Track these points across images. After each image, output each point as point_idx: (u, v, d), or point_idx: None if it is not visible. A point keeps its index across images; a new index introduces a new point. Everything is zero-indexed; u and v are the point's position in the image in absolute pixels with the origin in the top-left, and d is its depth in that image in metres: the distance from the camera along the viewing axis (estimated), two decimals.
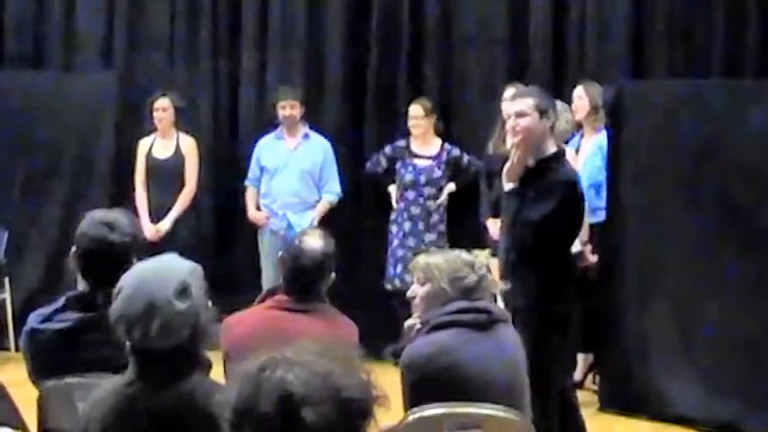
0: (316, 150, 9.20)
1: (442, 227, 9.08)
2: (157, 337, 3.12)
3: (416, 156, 9.14)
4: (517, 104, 5.88)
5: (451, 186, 9.09)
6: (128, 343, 3.18)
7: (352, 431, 2.22)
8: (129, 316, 3.14)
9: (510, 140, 5.92)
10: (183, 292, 3.15)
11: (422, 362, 4.35)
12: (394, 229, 9.13)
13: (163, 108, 9.13)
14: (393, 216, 9.15)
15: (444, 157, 9.10)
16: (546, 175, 5.79)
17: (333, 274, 4.77)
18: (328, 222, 8.69)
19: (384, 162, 9.25)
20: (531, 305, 5.51)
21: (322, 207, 9.16)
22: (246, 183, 9.36)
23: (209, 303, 3.27)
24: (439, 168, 9.06)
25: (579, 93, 8.34)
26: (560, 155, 5.96)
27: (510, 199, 5.85)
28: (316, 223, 8.90)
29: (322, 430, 2.18)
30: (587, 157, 8.26)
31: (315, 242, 4.72)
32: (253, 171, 9.34)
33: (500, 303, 5.57)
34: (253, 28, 9.86)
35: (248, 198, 9.35)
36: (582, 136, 8.43)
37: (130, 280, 3.21)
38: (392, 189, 9.21)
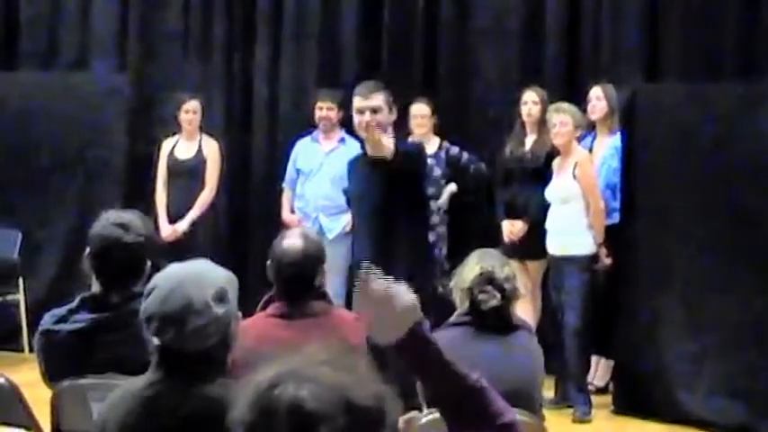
0: (350, 155, 9.15)
1: (442, 229, 8.95)
2: (191, 339, 3.12)
3: None
4: (373, 100, 6.12)
5: (452, 187, 9.01)
6: (155, 342, 3.17)
7: None
8: (163, 314, 3.13)
9: (365, 136, 6.14)
10: (222, 297, 3.16)
11: None
12: None
13: (193, 110, 9.15)
14: None
15: (443, 155, 9.04)
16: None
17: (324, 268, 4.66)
18: None
19: None
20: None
21: None
22: (283, 185, 9.33)
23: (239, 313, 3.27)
24: (438, 167, 8.99)
25: (597, 93, 8.31)
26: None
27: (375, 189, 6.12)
28: (348, 228, 8.91)
29: None
30: (603, 159, 8.24)
31: (294, 242, 4.60)
32: (289, 173, 9.30)
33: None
34: (266, 23, 9.86)
35: (284, 200, 9.31)
36: (594, 137, 8.41)
37: (166, 279, 3.20)
38: None
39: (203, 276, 3.21)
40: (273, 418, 2.12)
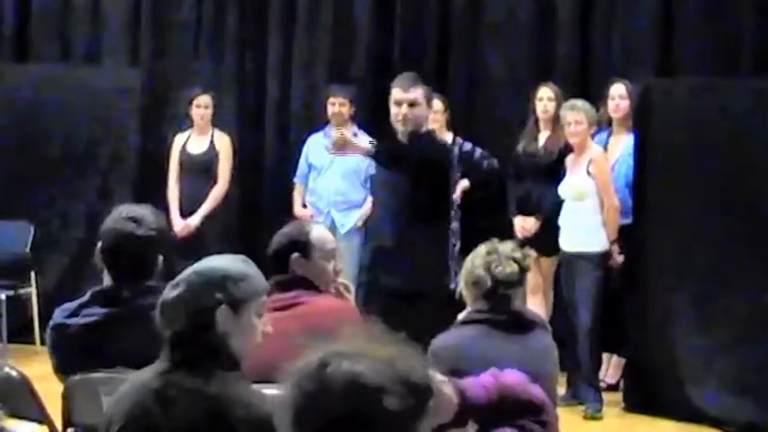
0: None
1: (455, 224, 8.91)
2: (158, 322, 3.22)
3: None
4: (411, 94, 6.13)
5: (465, 183, 8.98)
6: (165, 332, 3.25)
7: (423, 414, 2.20)
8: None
9: (399, 128, 6.15)
10: (174, 285, 3.22)
11: (434, 352, 4.37)
12: None
13: (205, 105, 9.16)
14: None
15: (456, 150, 8.99)
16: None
17: (313, 254, 4.62)
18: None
19: None
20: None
21: (367, 208, 9.00)
22: (295, 180, 9.33)
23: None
24: None
25: (621, 92, 8.25)
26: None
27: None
28: (360, 224, 8.91)
29: (401, 418, 2.15)
30: (622, 157, 8.20)
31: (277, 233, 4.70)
32: (301, 168, 9.29)
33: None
34: (278, 20, 9.84)
35: (295, 195, 9.31)
36: (609, 134, 8.38)
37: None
38: None
39: (208, 265, 3.30)
40: (328, 396, 2.12)
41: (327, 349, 2.19)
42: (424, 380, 2.22)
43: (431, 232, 6.14)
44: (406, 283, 6.01)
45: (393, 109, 6.16)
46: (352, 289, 4.89)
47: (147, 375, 3.21)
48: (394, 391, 2.13)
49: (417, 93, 6.12)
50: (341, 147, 6.19)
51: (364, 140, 6.18)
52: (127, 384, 3.26)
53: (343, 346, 2.21)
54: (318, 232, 4.77)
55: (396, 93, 6.17)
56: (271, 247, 4.70)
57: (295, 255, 4.63)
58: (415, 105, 6.07)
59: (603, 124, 8.35)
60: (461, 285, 4.56)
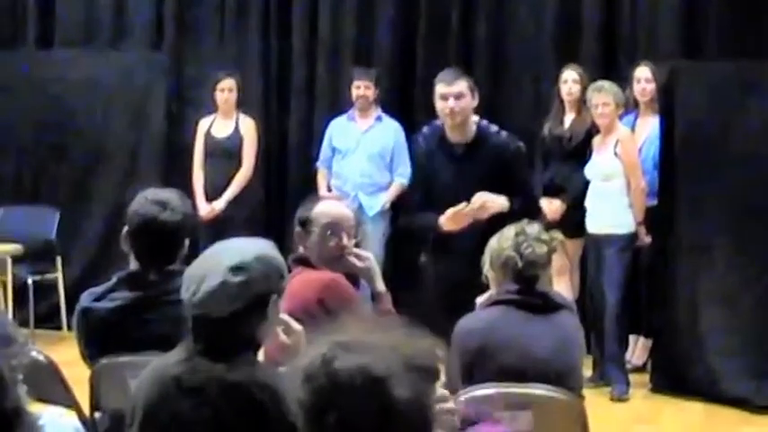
0: (387, 133, 9.13)
1: None
2: (201, 302, 3.14)
3: None
4: (456, 86, 6.11)
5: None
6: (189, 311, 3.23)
7: (431, 396, 2.21)
8: (188, 276, 3.20)
9: (448, 122, 6.12)
10: (239, 269, 3.16)
11: (462, 333, 4.36)
12: None
13: (229, 88, 9.15)
14: None
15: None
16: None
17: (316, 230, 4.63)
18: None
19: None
20: None
21: (394, 190, 8.99)
22: (318, 164, 9.32)
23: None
24: None
25: (647, 75, 8.22)
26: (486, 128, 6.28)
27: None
28: (387, 206, 8.91)
29: (413, 404, 2.16)
30: (650, 139, 8.17)
31: None
32: (324, 152, 9.29)
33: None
34: (304, 1, 9.82)
35: (319, 179, 9.30)
36: (636, 116, 8.34)
37: (211, 248, 3.30)
38: None
39: (235, 247, 3.27)
40: (341, 391, 2.13)
41: (329, 343, 2.19)
42: (429, 360, 2.22)
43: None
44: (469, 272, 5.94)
45: (439, 104, 6.13)
46: (369, 256, 4.79)
47: (170, 360, 3.21)
48: (403, 376, 2.14)
49: (462, 85, 6.10)
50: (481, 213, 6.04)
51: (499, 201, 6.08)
52: (149, 369, 3.25)
53: (344, 337, 2.20)
54: (323, 207, 4.75)
55: (440, 87, 6.15)
56: None
57: (297, 229, 4.68)
58: (461, 97, 6.05)
59: (630, 106, 8.32)
60: (486, 267, 4.55)
